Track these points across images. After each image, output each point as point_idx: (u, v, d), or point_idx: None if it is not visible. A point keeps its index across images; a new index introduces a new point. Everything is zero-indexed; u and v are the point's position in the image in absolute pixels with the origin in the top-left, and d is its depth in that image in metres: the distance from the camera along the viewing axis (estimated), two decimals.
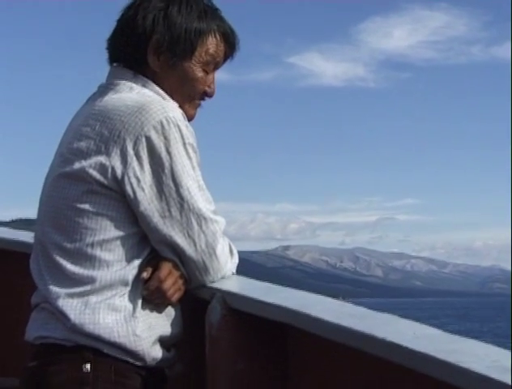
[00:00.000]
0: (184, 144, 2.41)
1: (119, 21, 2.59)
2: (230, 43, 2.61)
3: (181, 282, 2.47)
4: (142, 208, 2.39)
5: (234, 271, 2.55)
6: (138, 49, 2.53)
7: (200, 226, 2.43)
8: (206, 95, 2.61)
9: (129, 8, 2.57)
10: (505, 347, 1.75)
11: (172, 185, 2.39)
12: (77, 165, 2.41)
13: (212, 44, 2.57)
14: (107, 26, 2.60)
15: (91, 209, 2.40)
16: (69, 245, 2.42)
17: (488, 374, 1.54)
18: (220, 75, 2.63)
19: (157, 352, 2.45)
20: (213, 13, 2.58)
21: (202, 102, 2.63)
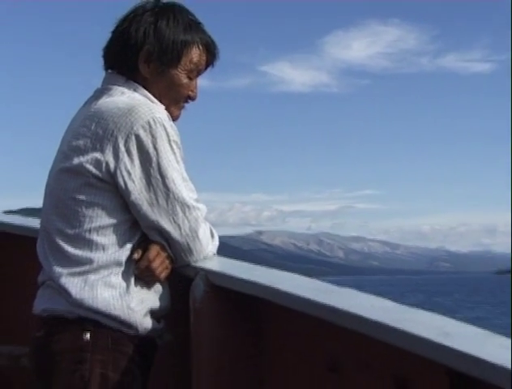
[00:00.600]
0: (169, 141, 2.40)
1: (114, 32, 2.57)
2: (211, 53, 2.60)
3: (167, 262, 2.46)
4: (132, 198, 2.38)
5: (215, 251, 2.54)
6: (131, 57, 2.51)
7: (184, 213, 2.42)
8: (189, 98, 2.60)
9: (123, 21, 2.55)
10: (448, 316, 1.76)
11: (158, 177, 2.39)
12: (76, 161, 2.40)
13: (196, 54, 2.55)
14: (103, 37, 2.58)
15: (88, 199, 2.39)
16: (70, 231, 2.41)
17: (434, 338, 1.55)
18: (202, 82, 2.61)
19: (148, 323, 2.44)
20: (197, 26, 2.57)
21: (186, 104, 2.62)
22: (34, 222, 3.08)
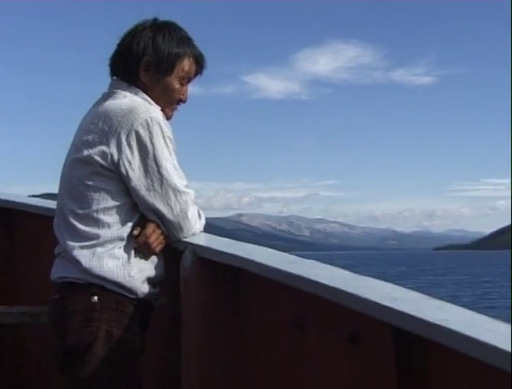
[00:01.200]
0: (163, 137, 2.37)
1: (119, 45, 2.53)
2: (200, 64, 2.57)
3: (162, 238, 2.44)
4: (132, 184, 2.36)
5: (202, 229, 2.52)
6: (132, 66, 2.48)
7: (176, 196, 2.40)
8: (181, 101, 2.56)
9: (126, 36, 2.51)
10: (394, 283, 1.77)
11: (154, 166, 2.36)
12: (85, 153, 2.38)
13: (187, 64, 2.52)
14: (109, 49, 2.56)
15: (96, 185, 2.37)
16: (80, 211, 2.39)
17: (382, 302, 1.55)
18: (193, 89, 2.60)
19: (146, 288, 2.42)
20: (188, 41, 2.54)
21: (179, 106, 2.58)
22: (52, 204, 3.05)
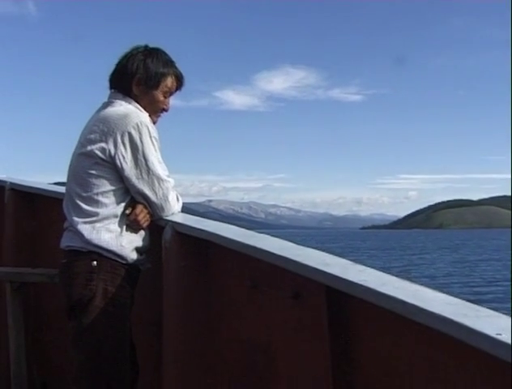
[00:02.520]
0: (150, 137, 2.35)
1: (117, 65, 2.50)
2: (180, 81, 2.54)
3: (148, 216, 2.42)
4: (125, 173, 2.34)
5: (179, 210, 2.51)
6: (127, 82, 2.45)
7: (159, 184, 2.38)
8: (164, 110, 2.53)
9: (123, 58, 2.49)
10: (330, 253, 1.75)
11: (143, 160, 2.34)
12: (89, 148, 2.35)
13: (170, 81, 2.50)
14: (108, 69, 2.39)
15: (96, 173, 2.34)
16: (84, 194, 2.36)
17: (318, 267, 1.56)
18: (175, 101, 2.54)
19: (135, 256, 2.41)
20: (171, 63, 2.52)
21: (162, 114, 2.54)
22: (62, 189, 3.01)
